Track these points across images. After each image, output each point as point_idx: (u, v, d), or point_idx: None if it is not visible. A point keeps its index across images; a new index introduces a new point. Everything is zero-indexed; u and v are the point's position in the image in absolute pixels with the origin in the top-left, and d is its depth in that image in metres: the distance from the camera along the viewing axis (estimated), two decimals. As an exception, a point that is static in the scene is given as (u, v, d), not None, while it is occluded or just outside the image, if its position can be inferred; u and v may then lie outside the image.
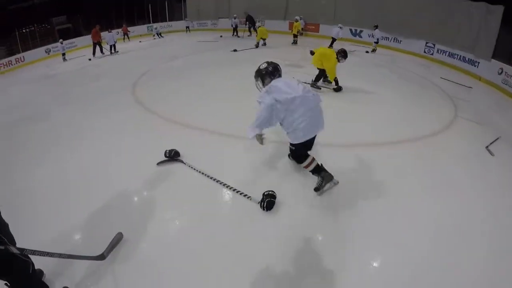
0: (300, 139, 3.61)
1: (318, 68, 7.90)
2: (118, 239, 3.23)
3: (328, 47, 13.13)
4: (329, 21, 16.17)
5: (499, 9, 10.00)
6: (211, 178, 4.27)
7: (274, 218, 3.53)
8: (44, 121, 7.32)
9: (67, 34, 23.04)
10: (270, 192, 3.67)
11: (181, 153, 4.91)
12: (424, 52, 13.15)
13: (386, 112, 6.66)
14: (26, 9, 23.95)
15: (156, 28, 22.47)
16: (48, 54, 21.15)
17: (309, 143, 3.78)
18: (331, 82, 8.02)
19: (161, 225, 3.57)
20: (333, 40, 14.07)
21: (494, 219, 3.65)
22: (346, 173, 4.27)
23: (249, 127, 3.58)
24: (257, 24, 17.29)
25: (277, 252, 3.09)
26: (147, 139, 5.73)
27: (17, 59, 20.12)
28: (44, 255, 2.44)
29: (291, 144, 3.77)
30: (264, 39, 14.60)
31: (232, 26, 18.76)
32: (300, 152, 3.81)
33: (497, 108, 8.10)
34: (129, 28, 22.93)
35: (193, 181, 4.34)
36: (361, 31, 15.32)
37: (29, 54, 20.73)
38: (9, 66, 19.52)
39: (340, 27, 14.05)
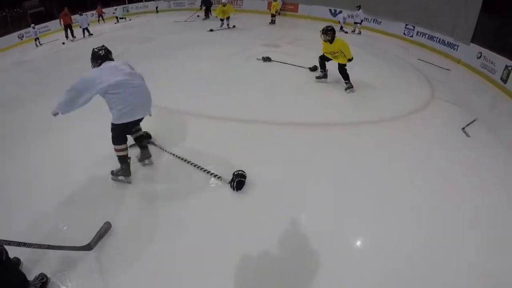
0: (120, 120, 3.51)
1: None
2: (106, 228, 3.13)
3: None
4: (307, 1, 15.98)
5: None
6: (182, 159, 4.27)
7: (243, 198, 3.56)
8: (17, 108, 7.06)
9: (41, 18, 22.29)
10: (240, 172, 3.69)
11: (152, 136, 4.83)
12: (404, 34, 13.14)
13: (364, 92, 6.64)
14: (-4, -6, 23.06)
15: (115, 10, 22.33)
16: (21, 39, 20.45)
17: (130, 127, 3.76)
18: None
19: (137, 212, 3.52)
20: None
21: (469, 199, 3.72)
22: (322, 151, 4.40)
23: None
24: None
25: (246, 230, 3.15)
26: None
27: None
28: (20, 246, 2.44)
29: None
30: (227, 18, 14.15)
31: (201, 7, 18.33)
32: (116, 134, 3.67)
33: (475, 91, 8.22)
34: (103, 10, 22.40)
35: (165, 163, 4.33)
36: (340, 12, 15.14)
37: (1, 41, 20.06)
38: None
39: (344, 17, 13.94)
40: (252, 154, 4.32)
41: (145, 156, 4.16)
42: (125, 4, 24.19)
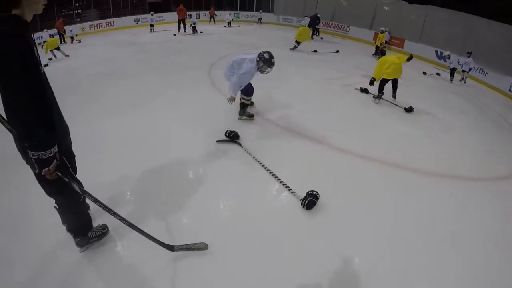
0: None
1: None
2: (199, 247, 3.00)
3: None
4: (415, 38, 15.42)
5: None
6: (262, 165, 4.40)
7: (310, 217, 3.54)
8: (122, 79, 8.57)
9: (157, 8, 24.10)
10: (314, 192, 3.67)
11: (240, 136, 5.16)
12: (510, 90, 11.93)
13: (448, 142, 6.14)
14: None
15: (229, 14, 23.27)
16: (137, 23, 22.48)
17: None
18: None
19: (204, 202, 3.70)
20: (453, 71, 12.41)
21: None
22: (400, 198, 4.15)
23: None
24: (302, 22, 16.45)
25: (305, 249, 3.12)
26: (213, 116, 6.07)
27: (107, 23, 21.73)
28: (107, 210, 2.56)
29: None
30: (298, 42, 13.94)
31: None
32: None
33: None
34: (216, 12, 23.68)
35: (244, 165, 4.50)
36: (448, 56, 14.20)
37: (119, 20, 22.25)
38: (99, 28, 21.15)
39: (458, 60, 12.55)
40: (333, 182, 4.28)
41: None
42: (237, 10, 25.36)
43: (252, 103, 6.39)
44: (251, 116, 5.99)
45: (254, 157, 4.61)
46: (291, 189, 3.89)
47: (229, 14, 23.38)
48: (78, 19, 22.57)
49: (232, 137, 5.11)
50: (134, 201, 3.62)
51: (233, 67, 5.59)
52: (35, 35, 17.11)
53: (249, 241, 3.15)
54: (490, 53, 12.57)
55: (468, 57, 12.12)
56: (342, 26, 18.34)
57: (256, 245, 3.11)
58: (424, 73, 12.21)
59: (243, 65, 5.41)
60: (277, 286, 2.71)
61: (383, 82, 7.52)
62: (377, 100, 7.60)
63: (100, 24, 21.66)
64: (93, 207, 3.03)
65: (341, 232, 3.39)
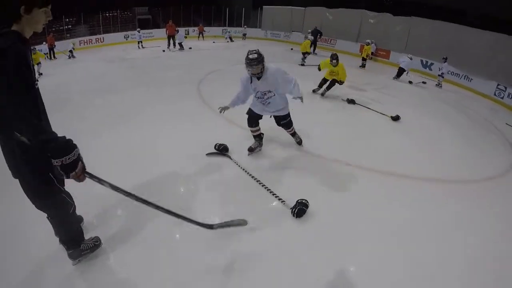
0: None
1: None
2: (239, 223, 3.29)
3: (394, 77, 12.86)
4: (400, 48, 15.71)
5: None
6: (252, 176, 4.46)
7: (301, 225, 3.58)
8: (112, 94, 8.74)
9: (146, 24, 24.40)
10: (303, 201, 3.73)
11: (230, 149, 5.22)
12: (495, 94, 12.25)
13: (440, 148, 6.34)
14: (113, -4, 25.74)
15: (229, 32, 23.37)
16: (126, 39, 22.77)
17: None
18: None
19: (195, 211, 3.73)
20: (401, 71, 12.96)
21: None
22: (391, 203, 4.25)
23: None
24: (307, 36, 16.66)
25: (298, 258, 3.15)
26: (201, 130, 6.18)
27: (97, 39, 22.06)
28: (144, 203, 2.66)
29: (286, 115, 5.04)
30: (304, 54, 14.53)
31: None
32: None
33: None
34: (205, 28, 23.94)
35: (234, 176, 4.56)
36: (431, 64, 14.70)
37: (108, 37, 22.56)
38: (89, 44, 21.46)
39: (410, 58, 13.14)
40: (322, 190, 4.33)
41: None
42: (225, 26, 25.67)
43: (259, 137, 5.30)
44: (251, 151, 5.21)
45: (243, 169, 4.67)
46: (281, 199, 3.93)
47: (228, 31, 23.97)
48: (68, 35, 22.66)
49: (222, 150, 5.16)
50: (125, 216, 3.63)
51: None
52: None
53: (240, 253, 3.18)
54: (474, 60, 13.09)
55: (444, 62, 12.56)
56: (329, 40, 18.75)
57: (246, 256, 3.14)
58: (410, 82, 12.51)
59: None
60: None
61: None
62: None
63: (90, 40, 21.89)
64: (86, 219, 3.05)
65: (331, 239, 3.43)
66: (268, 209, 3.90)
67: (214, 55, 17.02)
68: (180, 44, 18.64)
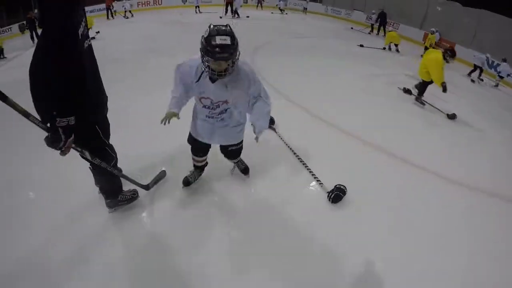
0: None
1: (423, 80, 7.09)
2: (161, 176, 3.61)
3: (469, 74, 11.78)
4: (466, 42, 14.48)
5: None
6: (294, 153, 4.38)
7: (334, 210, 3.48)
8: (165, 57, 8.94)
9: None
10: (341, 187, 3.59)
11: (276, 122, 5.13)
12: None
13: (493, 155, 5.55)
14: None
15: (281, 2, 22.89)
16: (184, 3, 22.96)
17: None
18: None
19: (231, 184, 3.75)
20: (476, 69, 11.84)
21: None
22: (420, 198, 3.98)
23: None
24: (388, 28, 16.18)
25: (326, 242, 3.06)
26: None
27: (155, 1, 22.40)
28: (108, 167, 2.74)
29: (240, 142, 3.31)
30: (396, 44, 13.45)
31: (368, 21, 17.89)
32: None
33: None
34: (265, -1, 23.63)
35: (276, 150, 4.52)
36: (498, 64, 13.33)
37: (167, 0, 22.69)
38: (147, 5, 21.87)
39: (487, 57, 12.05)
40: (362, 179, 4.10)
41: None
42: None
43: (202, 168, 3.69)
44: (186, 184, 3.56)
45: (287, 144, 4.60)
46: (319, 180, 3.84)
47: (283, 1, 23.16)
48: None
49: (269, 122, 5.06)
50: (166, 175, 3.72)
51: None
52: (89, 8, 17.90)
53: (271, 228, 3.17)
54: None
55: (503, 62, 11.55)
56: (392, 23, 17.53)
57: (278, 232, 3.13)
58: (473, 80, 11.64)
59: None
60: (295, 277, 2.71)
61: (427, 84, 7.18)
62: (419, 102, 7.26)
63: (148, 2, 22.24)
64: (129, 173, 3.18)
65: (363, 229, 3.29)
66: (305, 189, 3.84)
67: (271, 26, 16.77)
68: (236, 11, 18.51)
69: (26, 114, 2.05)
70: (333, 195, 3.51)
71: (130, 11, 18.31)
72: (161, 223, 3.08)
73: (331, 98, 6.88)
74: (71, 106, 2.07)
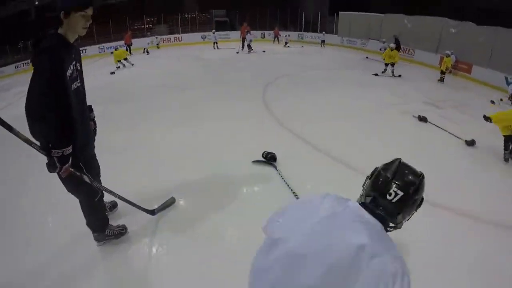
0: None
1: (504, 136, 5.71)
2: (170, 202, 3.85)
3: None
4: (483, 62, 13.95)
5: None
6: (293, 192, 4.15)
7: None
8: (180, 92, 9.81)
9: (223, 26, 25.09)
10: None
11: (278, 159, 4.98)
12: None
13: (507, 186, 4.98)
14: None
15: (287, 36, 23.14)
16: (203, 40, 23.65)
17: None
18: None
19: (218, 213, 3.83)
20: None
21: None
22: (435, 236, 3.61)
23: None
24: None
25: None
26: (256, 135, 6.23)
27: (175, 38, 23.27)
28: (108, 192, 3.08)
29: None
30: (392, 64, 13.01)
31: (380, 50, 17.63)
32: None
33: None
34: (280, 32, 23.88)
35: (274, 189, 4.35)
36: None
37: (186, 36, 23.68)
38: (168, 42, 22.82)
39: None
40: None
41: None
42: (301, 31, 25.40)
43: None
44: None
45: (286, 183, 4.38)
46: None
47: (286, 35, 23.39)
48: (149, 33, 24.07)
49: (269, 158, 4.96)
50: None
51: None
52: (107, 45, 18.86)
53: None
54: None
55: None
56: (407, 50, 17.27)
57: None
58: (492, 102, 10.97)
59: None
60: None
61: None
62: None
63: (169, 39, 23.14)
64: (120, 205, 3.60)
65: None
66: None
67: (288, 60, 16.78)
68: (248, 45, 18.79)
69: (28, 142, 2.43)
70: None
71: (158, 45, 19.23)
72: (150, 262, 3.15)
73: (338, 128, 6.70)
74: (64, 139, 2.38)
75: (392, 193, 1.47)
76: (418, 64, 15.16)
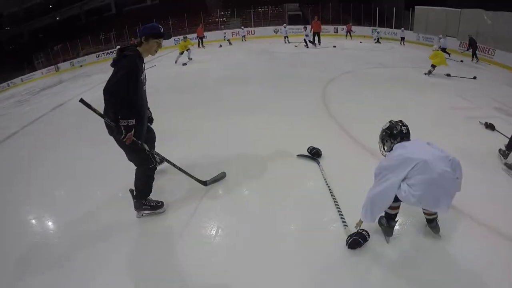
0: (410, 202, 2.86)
1: None
2: (221, 176, 4.46)
3: None
4: None
5: None
6: (329, 189, 4.18)
7: (349, 258, 3.12)
8: (243, 84, 10.49)
9: (296, 20, 25.06)
10: (363, 232, 3.18)
11: (322, 155, 5.05)
12: None
13: None
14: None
15: (378, 33, 22.13)
16: (276, 33, 23.80)
17: None
18: None
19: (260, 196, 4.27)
20: None
21: None
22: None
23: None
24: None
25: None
26: (308, 128, 6.38)
27: (248, 31, 23.48)
28: (164, 159, 4.05)
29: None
30: (433, 66, 11.75)
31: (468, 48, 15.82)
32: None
33: None
34: (353, 28, 23.37)
35: (312, 184, 4.47)
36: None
37: (259, 30, 23.88)
38: (238, 35, 23.10)
39: None
40: (399, 227, 3.52)
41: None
42: (375, 26, 24.59)
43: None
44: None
45: (325, 179, 4.41)
46: (345, 222, 3.54)
47: (378, 31, 22.58)
48: (222, 26, 24.74)
49: (313, 154, 5.02)
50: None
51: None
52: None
53: (281, 264, 3.10)
54: None
55: None
56: (487, 49, 15.55)
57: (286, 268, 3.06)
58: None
59: None
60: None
61: None
62: None
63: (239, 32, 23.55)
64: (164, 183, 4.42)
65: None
66: (326, 226, 3.65)
67: (357, 56, 16.39)
68: (305, 40, 19.10)
69: (102, 116, 3.33)
70: (351, 239, 3.16)
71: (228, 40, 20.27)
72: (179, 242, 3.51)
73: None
74: (129, 113, 3.24)
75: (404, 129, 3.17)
76: (497, 66, 13.95)
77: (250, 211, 3.96)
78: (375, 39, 21.72)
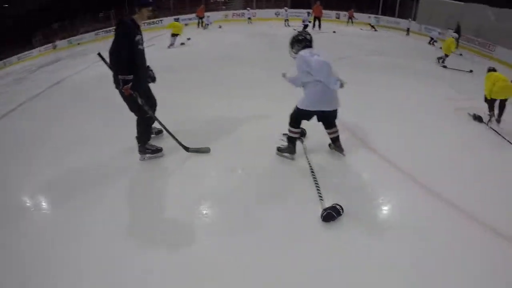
0: (303, 106, 4.16)
1: None
2: (205, 150, 4.73)
3: None
4: None
5: None
6: (310, 166, 4.30)
7: (320, 229, 3.25)
8: (238, 65, 10.68)
9: (300, 4, 24.85)
10: (337, 206, 3.29)
11: (307, 135, 5.15)
12: None
13: None
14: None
15: (376, 20, 22.40)
16: (277, 16, 23.66)
17: (308, 115, 4.27)
18: None
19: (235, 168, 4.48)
20: None
21: None
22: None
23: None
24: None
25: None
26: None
27: (253, 14, 23.57)
28: (154, 117, 4.52)
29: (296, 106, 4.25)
30: (446, 55, 12.18)
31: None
32: (295, 116, 4.30)
33: None
34: (355, 14, 23.25)
35: (294, 162, 4.55)
36: None
37: (261, 12, 23.82)
38: (241, 16, 23.01)
39: None
40: (375, 206, 3.71)
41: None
42: (378, 14, 24.40)
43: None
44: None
45: (307, 157, 4.53)
46: (321, 195, 3.64)
47: (369, 16, 22.74)
48: (224, 7, 24.57)
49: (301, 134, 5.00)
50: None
51: None
52: (182, 17, 19.80)
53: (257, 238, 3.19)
54: None
55: None
56: (487, 44, 15.51)
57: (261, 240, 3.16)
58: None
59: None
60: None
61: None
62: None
63: (242, 14, 23.35)
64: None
65: (341, 262, 2.93)
66: (301, 198, 3.77)
67: (355, 43, 16.36)
68: (305, 25, 19.21)
69: (111, 69, 4.03)
70: (325, 212, 3.26)
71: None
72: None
73: (381, 119, 6.38)
74: (126, 70, 3.85)
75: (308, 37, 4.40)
76: (497, 62, 13.88)
77: (229, 186, 4.11)
78: (371, 26, 21.75)
